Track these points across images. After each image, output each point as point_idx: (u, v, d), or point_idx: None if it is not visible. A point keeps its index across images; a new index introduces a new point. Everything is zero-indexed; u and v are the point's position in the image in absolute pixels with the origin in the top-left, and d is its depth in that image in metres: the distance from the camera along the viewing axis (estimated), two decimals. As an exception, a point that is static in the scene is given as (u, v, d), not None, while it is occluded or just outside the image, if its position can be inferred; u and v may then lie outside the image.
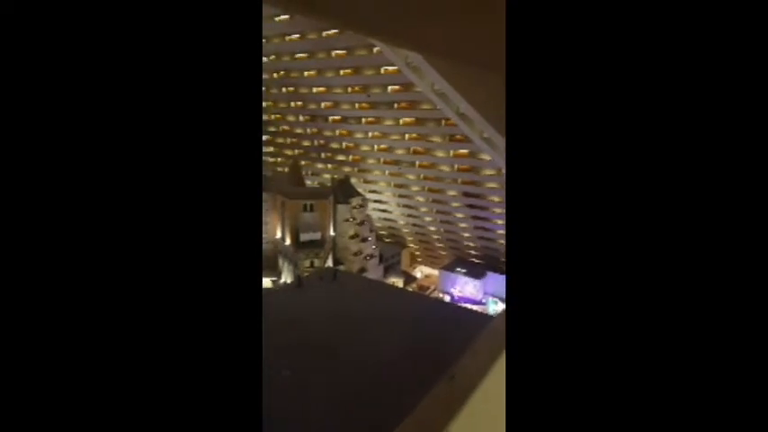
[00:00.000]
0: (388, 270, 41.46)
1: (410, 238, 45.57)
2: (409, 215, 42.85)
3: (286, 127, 44.23)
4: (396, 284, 35.76)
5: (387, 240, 45.80)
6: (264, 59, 39.27)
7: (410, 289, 38.57)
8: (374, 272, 38.69)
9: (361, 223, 38.76)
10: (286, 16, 35.27)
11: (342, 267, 34.66)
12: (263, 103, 42.60)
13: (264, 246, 37.02)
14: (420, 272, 46.57)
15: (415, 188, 40.11)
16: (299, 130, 44.07)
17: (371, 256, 39.94)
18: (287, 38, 37.87)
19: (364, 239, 39.14)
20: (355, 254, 37.92)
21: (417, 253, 46.70)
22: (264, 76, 40.81)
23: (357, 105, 38.17)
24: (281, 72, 40.42)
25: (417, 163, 38.17)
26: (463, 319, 14.49)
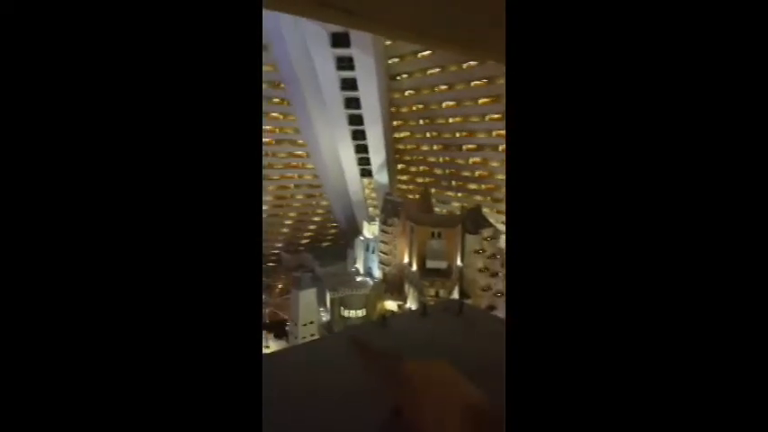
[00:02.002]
0: (520, 310, 37.89)
1: (547, 278, 41.03)
2: (547, 252, 38.78)
3: (420, 156, 45.68)
4: (527, 327, 32.24)
5: (519, 277, 42.19)
6: (406, 93, 41.78)
7: (544, 335, 34.28)
8: (504, 311, 35.87)
9: (492, 256, 36.60)
10: (428, 52, 37.01)
11: (468, 301, 33.07)
12: (401, 134, 45.03)
13: (391, 270, 38.13)
14: (557, 317, 41.25)
15: (555, 222, 36.29)
16: (431, 159, 44.98)
17: (502, 294, 37.15)
18: (428, 72, 39.58)
19: (494, 274, 36.75)
20: (483, 289, 35.81)
21: (555, 295, 41.63)
22: (404, 109, 43.33)
23: (494, 133, 37.10)
24: (420, 105, 42.28)
25: (559, 194, 34.63)
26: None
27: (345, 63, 37.88)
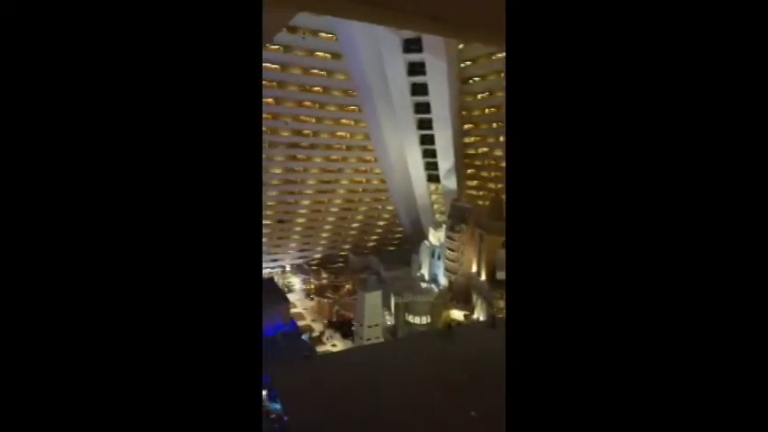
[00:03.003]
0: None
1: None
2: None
3: (491, 161, 44.07)
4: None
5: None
6: (478, 96, 40.66)
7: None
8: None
9: (568, 268, 33.93)
10: (502, 54, 35.65)
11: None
12: (471, 138, 43.84)
13: (458, 278, 37.08)
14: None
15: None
16: (504, 164, 43.12)
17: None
18: (502, 74, 38.16)
19: (570, 287, 34.02)
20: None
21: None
22: (475, 112, 42.15)
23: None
24: (493, 109, 40.84)
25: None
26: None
27: (417, 68, 37.92)
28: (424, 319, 36.81)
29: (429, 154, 43.98)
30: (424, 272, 42.40)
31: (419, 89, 39.28)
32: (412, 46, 36.55)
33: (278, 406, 28.11)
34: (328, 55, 37.66)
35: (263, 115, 37.40)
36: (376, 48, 36.72)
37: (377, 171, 46.36)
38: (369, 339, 34.08)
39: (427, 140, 42.89)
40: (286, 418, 23.98)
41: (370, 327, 34.80)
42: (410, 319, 37.36)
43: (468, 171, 46.03)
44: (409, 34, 35.32)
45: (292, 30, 34.64)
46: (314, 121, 40.42)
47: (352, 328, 38.08)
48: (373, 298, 35.30)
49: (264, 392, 30.31)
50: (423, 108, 40.59)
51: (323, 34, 36.49)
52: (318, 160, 42.75)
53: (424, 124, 41.94)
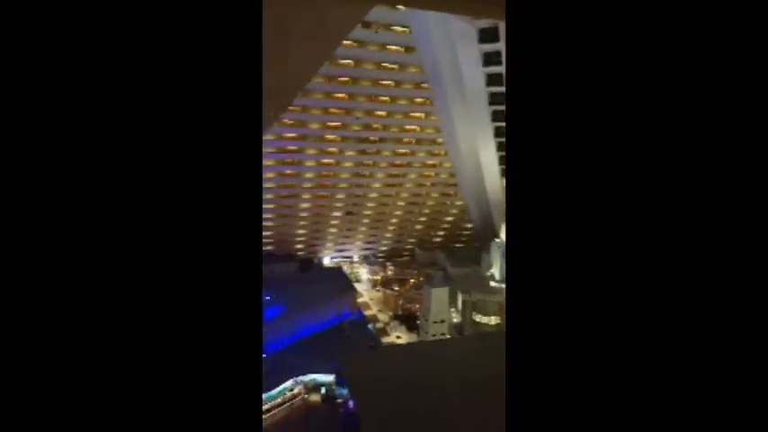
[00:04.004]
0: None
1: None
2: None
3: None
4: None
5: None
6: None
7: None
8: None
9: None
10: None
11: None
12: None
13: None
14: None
15: None
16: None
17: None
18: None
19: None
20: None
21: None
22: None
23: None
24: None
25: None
26: None
27: (493, 58, 36.34)
28: (494, 320, 35.56)
29: (504, 147, 42.08)
30: (495, 271, 40.83)
31: (495, 79, 37.59)
32: (488, 35, 35.07)
33: (344, 391, 29.29)
34: (401, 48, 37.64)
35: (336, 110, 38.65)
36: (450, 39, 35.85)
37: (447, 165, 45.50)
38: (434, 335, 33.85)
39: (502, 133, 41.01)
40: (351, 404, 24.88)
41: (435, 322, 34.55)
42: (478, 318, 36.35)
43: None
44: (485, 23, 33.90)
45: (366, 25, 35.17)
46: (384, 114, 40.79)
47: (417, 322, 38.08)
48: (440, 294, 34.93)
49: (332, 377, 31.77)
50: (498, 99, 38.82)
51: (397, 28, 36.51)
52: (388, 154, 43.13)
53: (499, 116, 40.12)
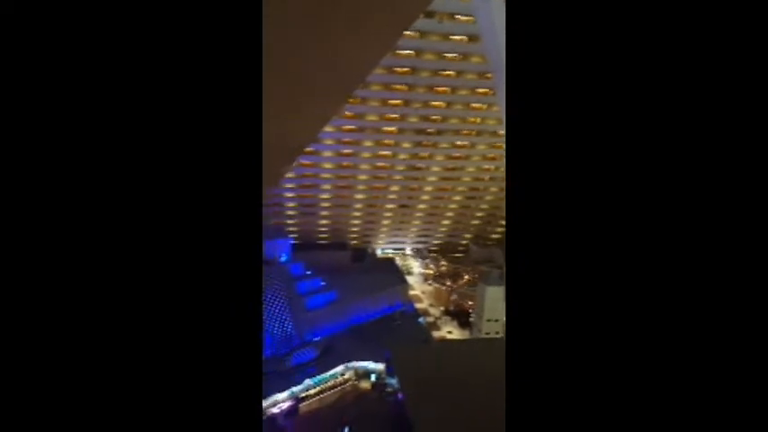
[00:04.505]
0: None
1: None
2: None
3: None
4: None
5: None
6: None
7: None
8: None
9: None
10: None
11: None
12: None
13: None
14: None
15: None
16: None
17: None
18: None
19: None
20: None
21: None
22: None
23: None
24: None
25: None
26: None
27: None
28: (550, 322, 33.86)
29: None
30: (554, 271, 38.67)
31: (564, 68, 35.28)
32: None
33: (394, 381, 29.55)
34: (465, 38, 36.48)
35: (394, 101, 38.52)
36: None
37: (507, 159, 43.69)
38: (487, 333, 32.97)
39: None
40: (401, 396, 25.08)
41: (489, 321, 33.61)
42: (534, 319, 34.77)
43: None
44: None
45: (429, 14, 34.49)
46: (444, 105, 39.96)
47: (470, 319, 37.30)
48: (494, 292, 33.85)
49: (382, 366, 32.19)
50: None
51: (460, 17, 35.40)
52: (446, 146, 42.33)
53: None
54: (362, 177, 42.61)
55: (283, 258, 36.32)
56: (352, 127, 39.35)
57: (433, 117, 40.25)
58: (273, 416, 27.57)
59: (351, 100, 35.82)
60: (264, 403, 27.26)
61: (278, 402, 27.95)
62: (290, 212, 43.23)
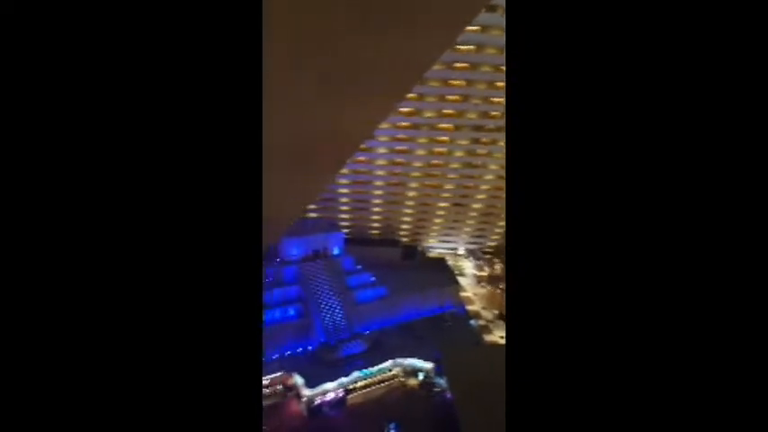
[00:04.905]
0: None
1: None
2: None
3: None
4: None
5: None
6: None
7: None
8: None
9: None
10: None
11: None
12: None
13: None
14: None
15: None
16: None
17: None
18: None
19: None
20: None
21: None
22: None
23: None
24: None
25: None
26: None
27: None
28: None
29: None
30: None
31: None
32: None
33: (442, 381, 29.13)
34: (528, 29, 34.72)
35: (452, 97, 37.72)
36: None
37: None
38: (541, 341, 31.29)
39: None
40: (449, 395, 24.58)
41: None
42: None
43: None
44: None
45: (492, 8, 33.27)
46: (504, 101, 38.39)
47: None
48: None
49: (431, 365, 31.84)
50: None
51: (524, 7, 33.74)
52: (503, 144, 40.69)
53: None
54: (416, 174, 42.37)
55: (336, 252, 37.25)
56: (408, 123, 39.19)
57: (493, 113, 38.88)
58: (321, 404, 28.45)
59: (408, 96, 35.68)
60: (313, 391, 28.21)
61: (327, 391, 28.78)
62: (343, 207, 44.18)
